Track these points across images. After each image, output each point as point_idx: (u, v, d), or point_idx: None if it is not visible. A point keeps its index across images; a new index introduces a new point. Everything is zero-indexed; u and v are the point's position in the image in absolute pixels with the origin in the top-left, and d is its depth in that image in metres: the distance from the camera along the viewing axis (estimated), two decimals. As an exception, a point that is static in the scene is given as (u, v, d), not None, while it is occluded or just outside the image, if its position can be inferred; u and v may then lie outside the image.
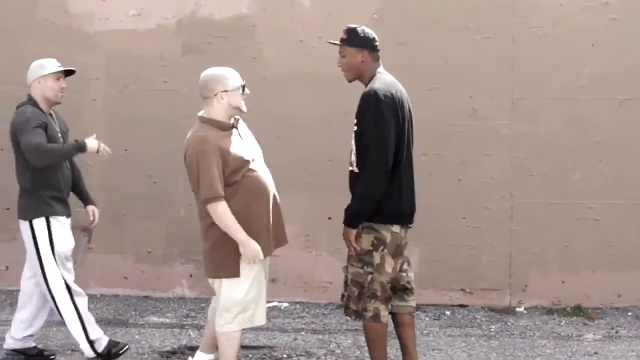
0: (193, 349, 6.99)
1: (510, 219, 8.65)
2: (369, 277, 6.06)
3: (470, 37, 8.53)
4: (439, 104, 8.55)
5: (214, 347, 6.38)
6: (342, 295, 6.27)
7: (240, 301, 5.97)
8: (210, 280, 6.13)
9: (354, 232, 6.06)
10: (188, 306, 8.71)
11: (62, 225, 6.82)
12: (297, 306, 8.63)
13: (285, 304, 8.74)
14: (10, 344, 7.14)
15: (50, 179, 6.78)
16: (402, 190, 6.24)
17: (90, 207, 7.27)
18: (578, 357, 7.26)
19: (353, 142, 6.18)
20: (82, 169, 7.31)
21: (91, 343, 6.87)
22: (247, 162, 5.93)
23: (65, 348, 7.44)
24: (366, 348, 7.26)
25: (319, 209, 8.68)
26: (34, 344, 7.19)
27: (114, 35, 8.88)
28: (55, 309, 6.91)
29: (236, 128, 6.02)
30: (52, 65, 6.90)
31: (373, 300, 6.08)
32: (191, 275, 8.90)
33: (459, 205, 8.64)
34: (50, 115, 6.92)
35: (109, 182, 8.86)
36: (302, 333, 7.90)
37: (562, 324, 8.25)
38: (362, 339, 7.55)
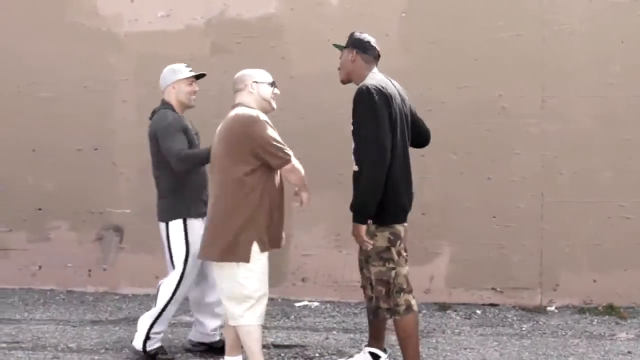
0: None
1: (541, 217, 8.61)
2: (393, 272, 6.25)
3: (499, 35, 8.51)
4: (469, 102, 8.54)
5: (239, 348, 6.45)
6: (370, 298, 6.36)
7: (255, 293, 6.14)
8: (212, 266, 6.27)
9: (364, 227, 6.22)
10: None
11: (197, 227, 6.89)
12: (328, 305, 8.63)
13: (316, 303, 8.75)
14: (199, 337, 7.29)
15: (190, 181, 6.94)
16: (404, 184, 6.45)
17: None
18: (611, 357, 7.21)
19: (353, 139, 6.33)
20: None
21: (147, 338, 6.93)
22: None
23: (99, 347, 7.46)
24: (397, 347, 7.31)
25: (349, 208, 8.64)
26: (218, 338, 7.27)
27: (143, 37, 8.92)
28: (156, 295, 6.99)
29: None
30: (184, 70, 7.11)
31: (402, 294, 6.30)
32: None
33: (489, 204, 8.62)
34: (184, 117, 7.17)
35: (142, 182, 8.88)
36: (334, 332, 7.90)
37: (594, 323, 8.21)
38: (394, 337, 7.56)
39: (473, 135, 8.57)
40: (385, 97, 6.19)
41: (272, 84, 6.43)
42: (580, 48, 8.52)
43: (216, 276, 6.25)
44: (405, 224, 6.41)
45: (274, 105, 6.43)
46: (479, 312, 8.50)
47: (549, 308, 8.61)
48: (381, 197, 6.17)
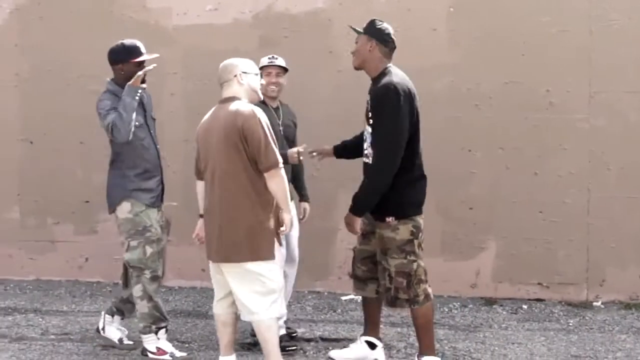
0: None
1: (587, 213, 8.58)
2: (414, 264, 6.39)
3: (547, 31, 8.47)
4: (516, 97, 8.52)
5: (233, 347, 6.46)
6: (388, 289, 6.44)
7: (278, 286, 6.12)
8: (229, 268, 6.09)
9: (359, 220, 6.40)
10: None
11: None
12: (374, 299, 8.63)
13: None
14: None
15: None
16: (423, 179, 6.60)
17: (304, 204, 7.58)
18: (660, 352, 7.22)
19: (368, 132, 6.42)
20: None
21: None
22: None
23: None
24: (445, 341, 7.39)
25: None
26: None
27: (191, 30, 8.97)
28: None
29: None
30: (262, 61, 7.24)
31: (421, 284, 6.44)
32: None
33: (535, 199, 8.59)
34: (277, 108, 7.30)
35: (189, 175, 8.91)
36: (381, 326, 7.88)
37: (641, 318, 8.22)
38: (441, 331, 7.68)
39: (520, 131, 8.55)
40: (409, 97, 6.35)
41: (260, 74, 6.42)
42: (628, 43, 8.46)
43: (234, 275, 6.09)
44: (423, 216, 6.56)
45: (261, 96, 6.43)
46: (525, 307, 8.48)
47: (595, 303, 8.57)
48: (404, 191, 6.37)
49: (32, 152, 9.39)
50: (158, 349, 6.85)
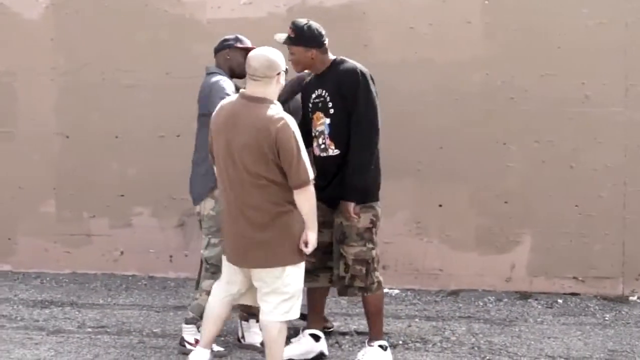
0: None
1: (623, 206, 8.50)
2: (373, 252, 6.51)
3: (583, 23, 8.40)
4: (551, 90, 8.45)
5: (213, 343, 6.42)
6: (342, 278, 6.54)
7: (301, 288, 6.05)
8: (261, 272, 5.94)
9: (353, 205, 6.43)
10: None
11: None
12: (408, 293, 8.61)
13: (396, 291, 8.73)
14: None
15: None
16: (379, 165, 6.61)
17: None
18: (698, 346, 7.17)
19: (326, 124, 6.48)
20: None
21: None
22: None
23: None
24: (481, 335, 7.39)
25: (430, 196, 8.68)
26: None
27: (225, 24, 8.91)
28: None
29: None
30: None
31: (375, 272, 6.58)
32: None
33: (571, 193, 8.53)
34: None
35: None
36: (416, 320, 7.91)
37: (678, 313, 8.15)
38: (476, 325, 7.68)
39: (556, 124, 8.49)
40: (372, 79, 6.55)
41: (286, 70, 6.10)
42: (665, 35, 8.41)
43: (261, 278, 5.96)
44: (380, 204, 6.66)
45: None
46: (560, 301, 8.42)
47: (631, 298, 8.50)
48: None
49: (67, 146, 9.41)
50: (196, 340, 6.87)
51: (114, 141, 9.22)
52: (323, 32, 6.59)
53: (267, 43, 8.27)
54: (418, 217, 8.75)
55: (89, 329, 7.77)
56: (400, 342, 7.30)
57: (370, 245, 6.48)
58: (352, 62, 6.51)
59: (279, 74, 5.89)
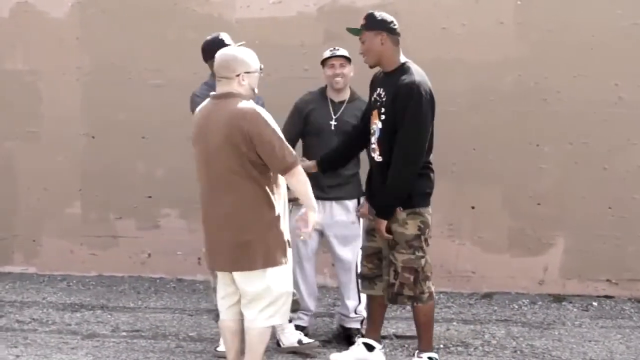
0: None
1: (657, 208, 8.50)
2: (422, 261, 6.38)
3: (616, 24, 8.34)
4: (585, 91, 8.40)
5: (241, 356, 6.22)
6: (392, 285, 6.41)
7: (288, 290, 5.90)
8: (241, 276, 5.80)
9: (385, 222, 6.31)
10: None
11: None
12: (441, 296, 8.52)
13: (429, 293, 8.68)
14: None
15: None
16: (431, 172, 6.49)
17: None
18: None
19: (378, 127, 6.39)
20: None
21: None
22: None
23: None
24: (521, 338, 7.35)
25: (463, 198, 8.62)
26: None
27: (255, 23, 8.86)
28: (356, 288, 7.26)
29: None
30: (325, 54, 7.27)
31: (427, 282, 6.43)
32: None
33: (604, 195, 8.49)
34: (341, 103, 7.23)
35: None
36: (454, 323, 7.85)
37: None
38: (516, 329, 7.63)
39: (589, 125, 8.44)
40: (432, 97, 6.34)
41: (261, 70, 5.94)
42: (699, 36, 8.37)
43: (245, 281, 5.80)
44: (430, 209, 6.52)
45: (256, 92, 5.97)
46: (595, 304, 8.37)
47: (665, 300, 8.51)
48: (412, 182, 6.31)
49: (93, 147, 9.30)
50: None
51: (141, 142, 9.11)
52: (395, 22, 6.49)
53: (298, 43, 8.29)
54: (451, 219, 8.69)
55: (124, 333, 7.68)
56: (442, 345, 7.24)
57: (420, 254, 6.36)
58: (413, 75, 6.29)
59: (238, 75, 5.72)
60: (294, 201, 6.48)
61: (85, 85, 9.28)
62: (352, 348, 6.83)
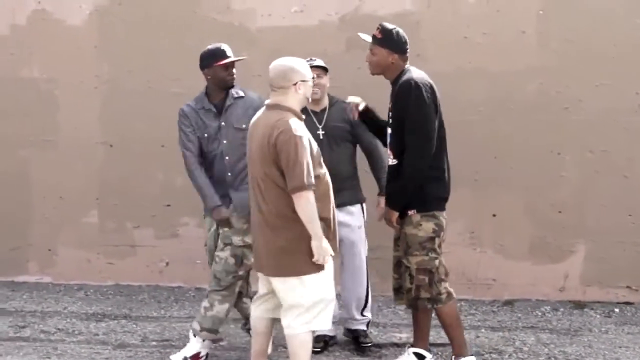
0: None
1: (677, 216, 8.57)
2: (436, 262, 6.41)
3: (638, 33, 8.41)
4: (606, 100, 8.46)
5: (265, 356, 6.34)
6: (409, 290, 6.48)
7: (325, 297, 5.94)
8: (276, 281, 5.93)
9: (396, 214, 6.42)
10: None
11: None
12: (462, 303, 8.53)
13: (451, 301, 8.70)
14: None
15: None
16: (446, 174, 6.55)
17: (380, 198, 7.32)
18: None
19: (388, 133, 6.53)
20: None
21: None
22: (320, 157, 6.00)
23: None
24: (552, 345, 7.37)
25: (484, 205, 8.66)
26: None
27: (276, 32, 8.86)
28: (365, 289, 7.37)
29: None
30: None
31: (443, 282, 6.47)
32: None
33: (624, 202, 8.55)
34: (322, 111, 7.26)
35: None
36: (482, 330, 7.87)
37: None
38: (545, 336, 7.66)
39: (609, 134, 8.50)
40: (432, 90, 6.42)
41: (313, 79, 6.15)
42: None
43: (280, 286, 5.92)
44: (445, 214, 6.56)
45: (310, 100, 6.20)
46: (617, 310, 8.43)
47: (684, 307, 8.57)
48: (426, 185, 6.37)
49: (111, 155, 9.26)
50: None
51: (160, 150, 9.05)
52: (407, 40, 6.58)
53: (320, 51, 8.27)
54: (472, 227, 8.73)
55: (154, 342, 7.64)
56: (474, 352, 7.22)
57: (433, 255, 6.40)
58: (410, 75, 6.39)
59: (295, 84, 5.88)
60: None
61: (103, 93, 9.24)
62: (402, 358, 6.83)
